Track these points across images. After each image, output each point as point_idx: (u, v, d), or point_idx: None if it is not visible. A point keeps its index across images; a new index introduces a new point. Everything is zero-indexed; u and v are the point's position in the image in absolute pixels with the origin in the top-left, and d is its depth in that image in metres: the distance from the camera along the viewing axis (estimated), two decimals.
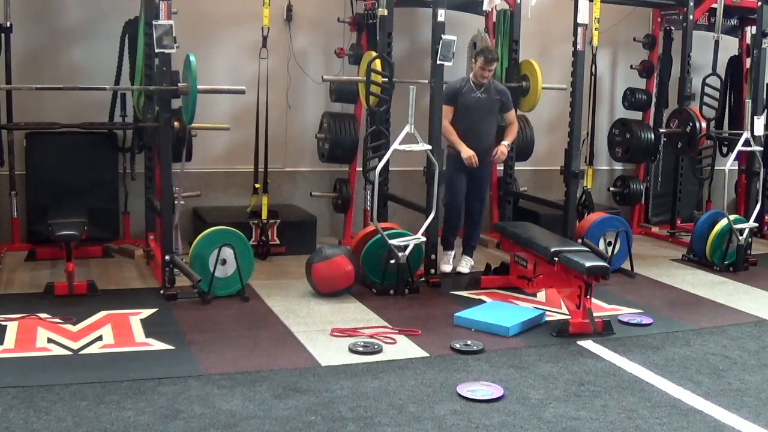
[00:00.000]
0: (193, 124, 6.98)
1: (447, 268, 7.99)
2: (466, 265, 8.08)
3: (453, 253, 8.12)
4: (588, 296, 6.14)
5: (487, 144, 7.86)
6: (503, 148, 7.87)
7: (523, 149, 9.40)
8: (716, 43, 9.49)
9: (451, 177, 7.82)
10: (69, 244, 6.73)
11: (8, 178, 8.12)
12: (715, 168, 9.76)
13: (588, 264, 6.05)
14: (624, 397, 4.97)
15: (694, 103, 9.66)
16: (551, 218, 8.77)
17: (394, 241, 6.90)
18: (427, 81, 7.60)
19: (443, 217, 7.94)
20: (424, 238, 7.17)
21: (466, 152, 7.65)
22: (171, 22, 6.59)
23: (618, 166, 10.84)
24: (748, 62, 10.01)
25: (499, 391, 4.92)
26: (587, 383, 5.17)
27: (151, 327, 6.03)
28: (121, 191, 8.54)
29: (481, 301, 6.94)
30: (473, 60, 7.84)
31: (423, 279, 7.44)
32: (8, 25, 7.88)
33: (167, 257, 6.80)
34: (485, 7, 8.40)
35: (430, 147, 7.10)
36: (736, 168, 10.29)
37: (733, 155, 8.54)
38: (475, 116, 7.77)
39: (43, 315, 6.17)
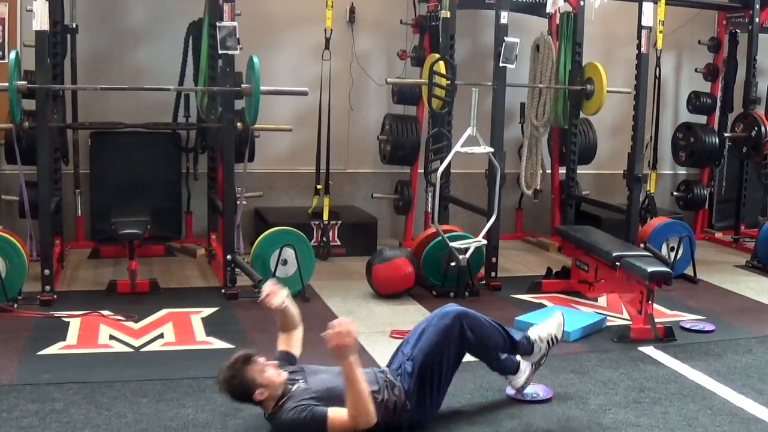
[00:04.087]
0: (255, 125, 7.04)
1: None
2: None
3: None
4: (650, 302, 6.06)
5: None
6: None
7: (585, 153, 9.32)
8: None
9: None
10: (132, 243, 6.82)
11: (73, 176, 8.25)
12: None
13: (650, 269, 5.98)
14: (685, 404, 4.90)
15: (760, 107, 9.49)
16: (613, 222, 8.67)
17: (455, 244, 6.87)
18: (489, 83, 7.57)
19: None
20: (485, 241, 7.13)
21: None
22: (235, 23, 6.65)
23: (682, 171, 10.69)
24: None
25: (548, 393, 4.92)
26: (647, 389, 5.11)
27: (211, 325, 6.09)
28: (184, 191, 8.65)
29: (542, 305, 6.88)
30: None
31: (483, 282, 7.41)
32: (74, 26, 7.99)
33: (229, 257, 6.85)
34: (549, 9, 8.32)
35: (492, 150, 7.05)
36: None
37: None
38: None
39: (105, 312, 6.25)
